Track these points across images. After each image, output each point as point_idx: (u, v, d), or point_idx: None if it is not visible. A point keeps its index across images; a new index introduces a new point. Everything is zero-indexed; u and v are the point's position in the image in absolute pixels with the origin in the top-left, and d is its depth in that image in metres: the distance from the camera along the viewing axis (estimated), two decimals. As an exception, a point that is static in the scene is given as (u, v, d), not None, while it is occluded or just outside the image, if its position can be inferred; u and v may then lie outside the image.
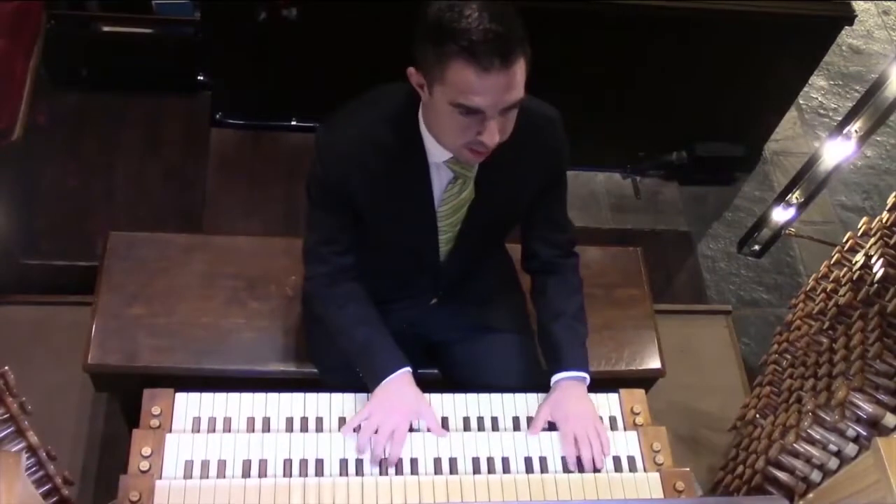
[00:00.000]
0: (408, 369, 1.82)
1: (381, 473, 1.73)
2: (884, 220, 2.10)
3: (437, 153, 1.67)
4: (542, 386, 1.96)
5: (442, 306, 1.99)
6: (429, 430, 1.80)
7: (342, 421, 1.82)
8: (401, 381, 1.80)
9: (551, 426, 1.85)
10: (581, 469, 1.79)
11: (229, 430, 1.79)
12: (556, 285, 1.93)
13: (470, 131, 1.54)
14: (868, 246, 2.13)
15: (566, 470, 1.79)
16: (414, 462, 1.76)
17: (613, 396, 1.94)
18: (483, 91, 1.47)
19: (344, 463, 1.74)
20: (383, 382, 1.79)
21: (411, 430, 1.82)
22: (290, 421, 1.81)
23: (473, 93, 1.47)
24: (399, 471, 1.75)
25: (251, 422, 1.80)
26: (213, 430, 1.78)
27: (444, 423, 1.85)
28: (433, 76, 1.50)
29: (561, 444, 1.81)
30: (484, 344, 2.00)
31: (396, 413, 1.76)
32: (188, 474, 1.69)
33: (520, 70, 1.48)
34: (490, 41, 1.42)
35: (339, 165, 1.69)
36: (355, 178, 1.70)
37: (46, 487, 1.65)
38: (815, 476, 1.80)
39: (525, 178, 1.77)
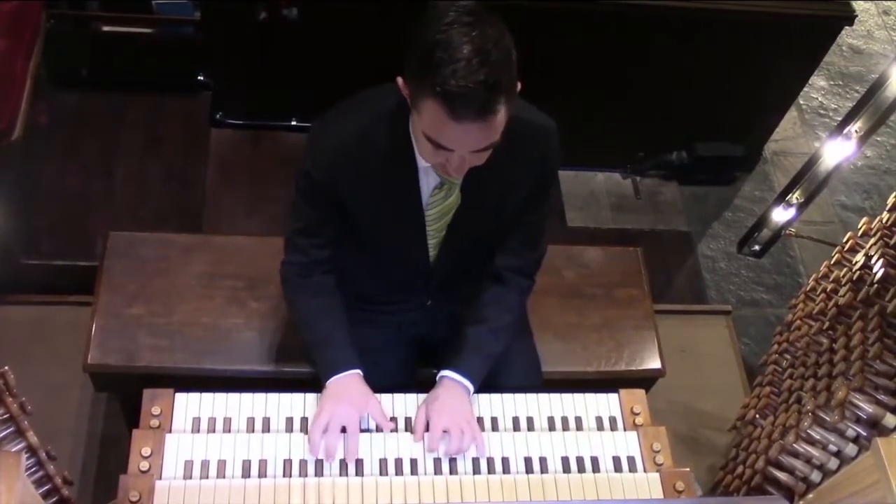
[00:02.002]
0: (358, 371, 1.82)
1: (380, 474, 1.74)
2: (884, 221, 2.11)
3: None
4: (540, 386, 1.96)
5: (438, 307, 1.99)
6: (377, 429, 1.80)
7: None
8: (349, 380, 1.81)
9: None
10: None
11: (229, 431, 1.79)
12: (494, 296, 1.89)
13: (439, 157, 1.54)
14: (868, 246, 2.13)
15: (566, 470, 1.79)
16: (414, 462, 1.76)
17: (613, 396, 1.94)
18: (453, 136, 1.46)
19: (344, 463, 1.74)
20: (332, 378, 1.80)
21: (410, 430, 1.82)
22: (289, 421, 1.81)
23: (443, 136, 1.46)
24: (399, 471, 1.75)
25: (251, 422, 1.80)
26: (213, 431, 1.78)
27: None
28: (413, 98, 1.50)
29: (429, 437, 1.78)
30: None
31: (344, 405, 1.77)
32: (188, 474, 1.69)
33: (498, 118, 1.45)
34: (467, 95, 1.39)
35: (329, 162, 1.69)
36: (344, 175, 1.70)
37: (46, 487, 1.66)
38: (815, 476, 1.80)
39: (512, 187, 1.76)
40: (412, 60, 1.46)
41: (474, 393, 1.85)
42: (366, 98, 1.71)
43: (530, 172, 1.75)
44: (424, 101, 1.45)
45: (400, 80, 1.54)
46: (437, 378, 1.86)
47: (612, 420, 1.90)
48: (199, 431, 1.78)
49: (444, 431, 1.77)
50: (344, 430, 1.76)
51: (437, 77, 1.40)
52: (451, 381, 1.83)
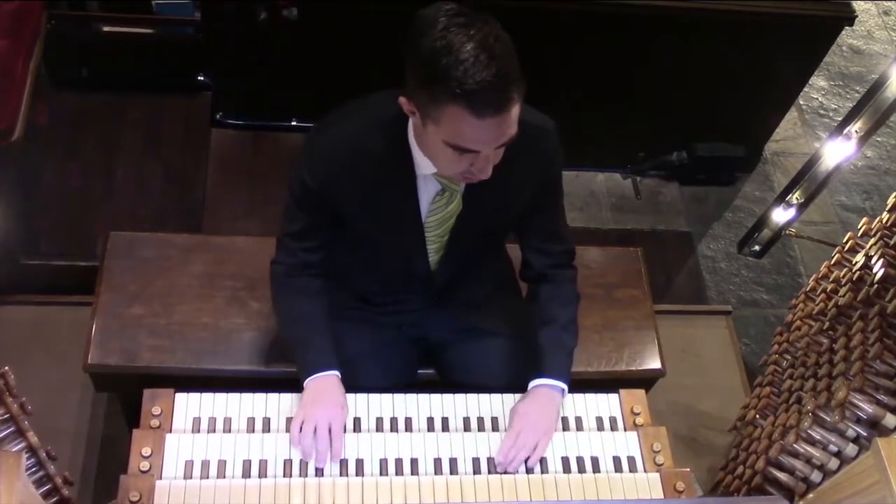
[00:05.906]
0: (336, 373, 1.83)
1: (380, 474, 1.74)
2: (884, 221, 2.10)
3: (424, 165, 1.65)
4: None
5: (438, 309, 1.98)
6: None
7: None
8: (327, 381, 1.81)
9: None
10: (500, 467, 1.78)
11: (229, 431, 1.79)
12: (550, 292, 1.91)
13: (463, 163, 1.54)
14: (868, 246, 2.13)
15: (566, 470, 1.79)
16: (414, 462, 1.76)
17: (614, 397, 1.94)
18: (478, 136, 1.46)
19: (344, 463, 1.74)
20: (310, 379, 1.80)
21: (410, 430, 1.82)
22: (290, 421, 1.81)
23: (468, 137, 1.46)
24: (399, 471, 1.75)
25: (251, 422, 1.81)
26: (213, 431, 1.78)
27: (445, 423, 1.85)
28: (426, 113, 1.48)
29: (506, 436, 1.80)
30: (479, 346, 1.99)
31: (326, 407, 1.77)
32: (188, 474, 1.69)
33: (514, 109, 1.46)
34: (486, 90, 1.39)
35: (325, 170, 1.68)
36: (341, 183, 1.69)
37: (46, 487, 1.66)
38: (816, 476, 1.79)
39: (515, 189, 1.75)
40: (417, 74, 1.45)
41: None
42: (361, 106, 1.70)
43: (533, 173, 1.75)
44: (443, 109, 1.43)
45: (402, 99, 1.53)
46: (529, 388, 1.86)
47: (613, 420, 1.90)
48: (199, 431, 1.78)
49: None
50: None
51: (450, 81, 1.39)
52: (542, 389, 1.84)
